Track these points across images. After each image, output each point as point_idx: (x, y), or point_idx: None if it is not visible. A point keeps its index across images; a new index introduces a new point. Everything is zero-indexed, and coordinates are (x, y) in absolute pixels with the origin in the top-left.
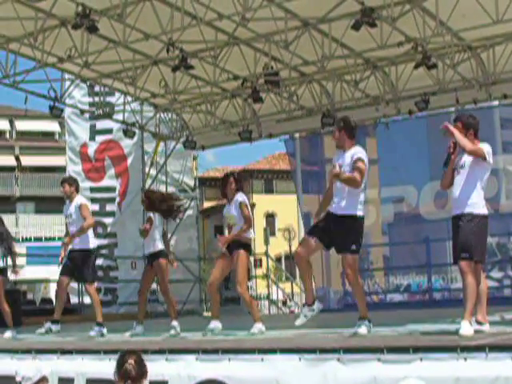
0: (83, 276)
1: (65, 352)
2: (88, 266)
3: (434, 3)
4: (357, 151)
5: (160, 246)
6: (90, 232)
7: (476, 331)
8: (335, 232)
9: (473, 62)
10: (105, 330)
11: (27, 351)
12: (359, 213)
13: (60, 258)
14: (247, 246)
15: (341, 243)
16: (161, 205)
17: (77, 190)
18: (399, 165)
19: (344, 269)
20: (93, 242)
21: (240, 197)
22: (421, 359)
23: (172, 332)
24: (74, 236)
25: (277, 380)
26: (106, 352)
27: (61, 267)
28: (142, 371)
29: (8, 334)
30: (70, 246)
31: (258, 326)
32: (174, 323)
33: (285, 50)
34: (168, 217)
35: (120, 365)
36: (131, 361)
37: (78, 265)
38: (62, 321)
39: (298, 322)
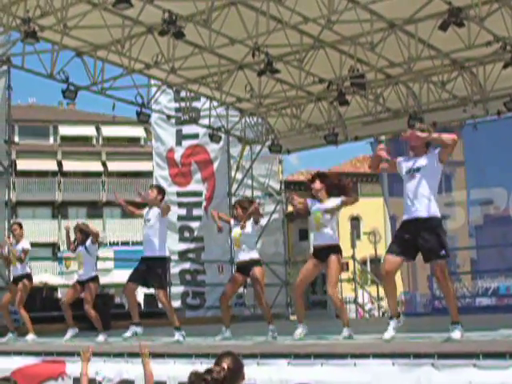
0: (157, 283)
1: (157, 355)
2: (164, 274)
3: None
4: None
5: (256, 254)
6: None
7: None
8: (421, 238)
9: None
10: (183, 333)
11: (119, 355)
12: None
13: None
14: (340, 251)
15: (429, 249)
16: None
17: (161, 200)
18: (487, 166)
19: (435, 273)
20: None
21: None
22: None
23: (270, 336)
24: None
25: None
26: (198, 356)
27: (131, 272)
28: (235, 377)
29: (100, 337)
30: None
31: (349, 330)
32: (272, 327)
33: (370, 51)
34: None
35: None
36: (225, 364)
37: (155, 272)
38: (148, 325)
39: (387, 336)
